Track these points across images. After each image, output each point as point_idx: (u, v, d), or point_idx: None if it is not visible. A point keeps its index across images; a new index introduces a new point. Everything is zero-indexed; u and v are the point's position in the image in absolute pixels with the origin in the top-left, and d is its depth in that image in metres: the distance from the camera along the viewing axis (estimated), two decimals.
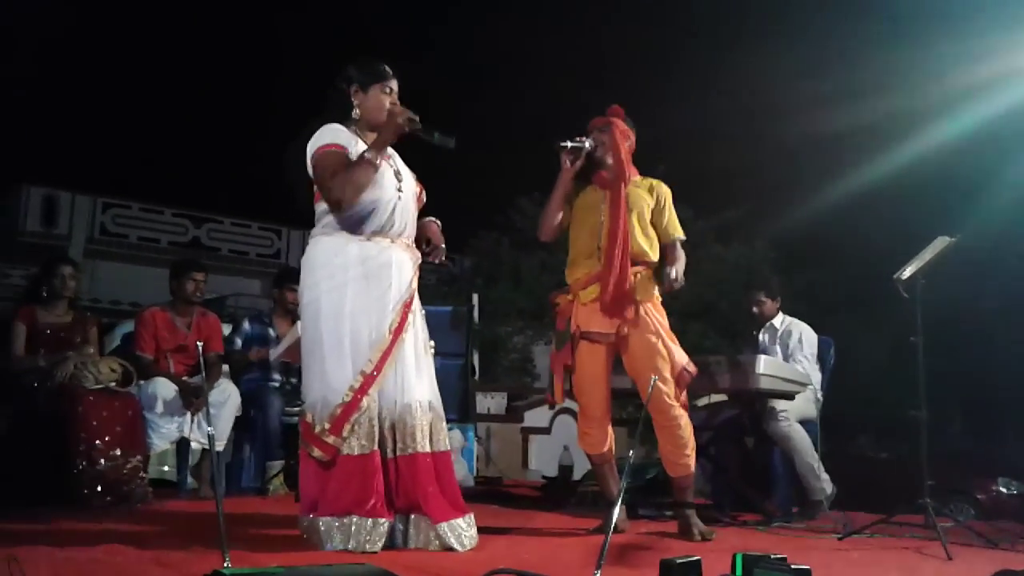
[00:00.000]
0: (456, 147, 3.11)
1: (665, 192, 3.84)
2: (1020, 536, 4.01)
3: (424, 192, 3.34)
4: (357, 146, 3.10)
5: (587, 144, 3.74)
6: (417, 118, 3.10)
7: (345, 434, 2.92)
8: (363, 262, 3.04)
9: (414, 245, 3.24)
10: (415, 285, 3.17)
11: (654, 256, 3.79)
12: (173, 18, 17.13)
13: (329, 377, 2.98)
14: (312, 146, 3.09)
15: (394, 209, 3.11)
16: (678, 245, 3.80)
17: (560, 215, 3.82)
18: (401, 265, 3.11)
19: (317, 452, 2.95)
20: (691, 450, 3.67)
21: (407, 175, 3.26)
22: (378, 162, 3.02)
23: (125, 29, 16.72)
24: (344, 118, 3.17)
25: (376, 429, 2.96)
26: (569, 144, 3.71)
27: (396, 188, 3.13)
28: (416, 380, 3.08)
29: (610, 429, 3.83)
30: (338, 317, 2.99)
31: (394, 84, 3.20)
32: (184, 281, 4.98)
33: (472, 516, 3.10)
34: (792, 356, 4.92)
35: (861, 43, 13.18)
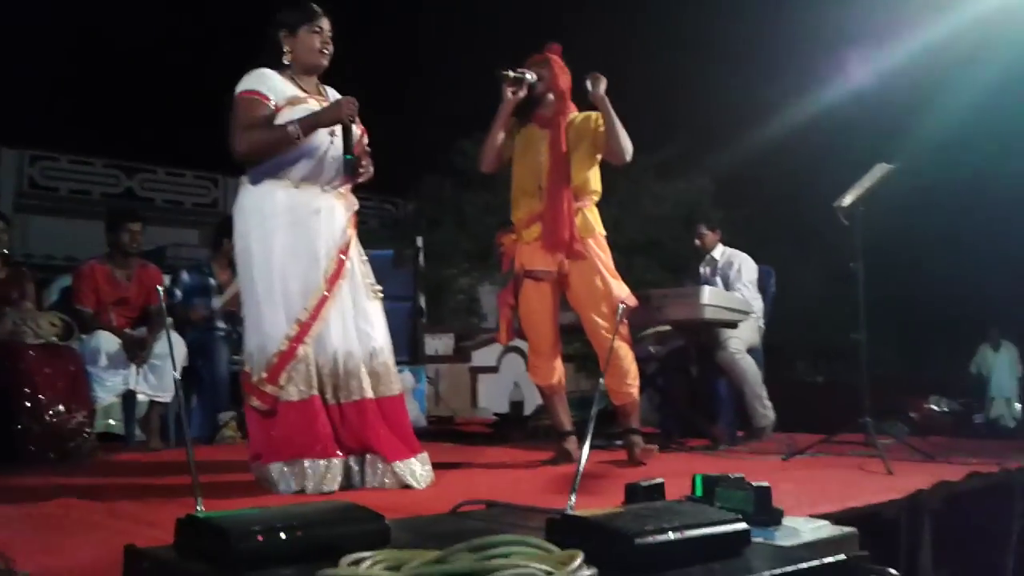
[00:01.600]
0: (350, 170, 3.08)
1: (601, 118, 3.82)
2: (954, 450, 4.18)
3: (366, 135, 3.27)
4: (287, 90, 3.05)
5: (529, 76, 3.73)
6: (357, 131, 3.07)
7: (282, 383, 2.92)
8: (291, 210, 3.01)
9: (349, 192, 3.18)
10: (351, 232, 3.13)
11: (597, 187, 3.82)
12: None
13: (264, 325, 2.97)
14: (236, 89, 3.05)
15: (325, 155, 3.05)
16: None
17: (499, 145, 3.80)
18: (332, 211, 3.08)
19: (256, 402, 2.96)
20: (633, 379, 3.75)
21: None
22: (300, 140, 2.95)
23: None
24: (278, 63, 3.11)
25: (314, 375, 2.97)
26: (512, 73, 3.69)
27: (329, 133, 3.05)
28: (358, 326, 3.07)
29: (559, 362, 3.89)
30: (268, 265, 2.98)
31: (324, 23, 3.14)
32: (119, 232, 4.87)
33: (426, 455, 3.13)
34: (732, 285, 5.03)
35: None
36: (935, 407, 9.57)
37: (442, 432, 5.67)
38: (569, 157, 3.71)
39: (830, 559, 1.53)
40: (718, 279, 5.11)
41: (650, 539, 1.40)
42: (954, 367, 11.96)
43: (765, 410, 4.76)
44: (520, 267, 3.79)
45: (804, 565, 1.48)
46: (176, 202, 16.15)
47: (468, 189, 13.34)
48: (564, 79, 3.79)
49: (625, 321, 3.76)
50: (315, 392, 2.96)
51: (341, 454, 2.98)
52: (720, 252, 5.24)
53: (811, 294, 12.42)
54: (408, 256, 7.24)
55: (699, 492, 2.00)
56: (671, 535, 1.43)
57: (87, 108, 16.38)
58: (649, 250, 13.35)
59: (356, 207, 3.21)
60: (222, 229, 5.51)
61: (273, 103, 3.01)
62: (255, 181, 3.04)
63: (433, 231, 13.16)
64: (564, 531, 1.48)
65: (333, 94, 3.22)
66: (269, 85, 3.04)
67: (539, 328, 3.81)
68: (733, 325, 4.63)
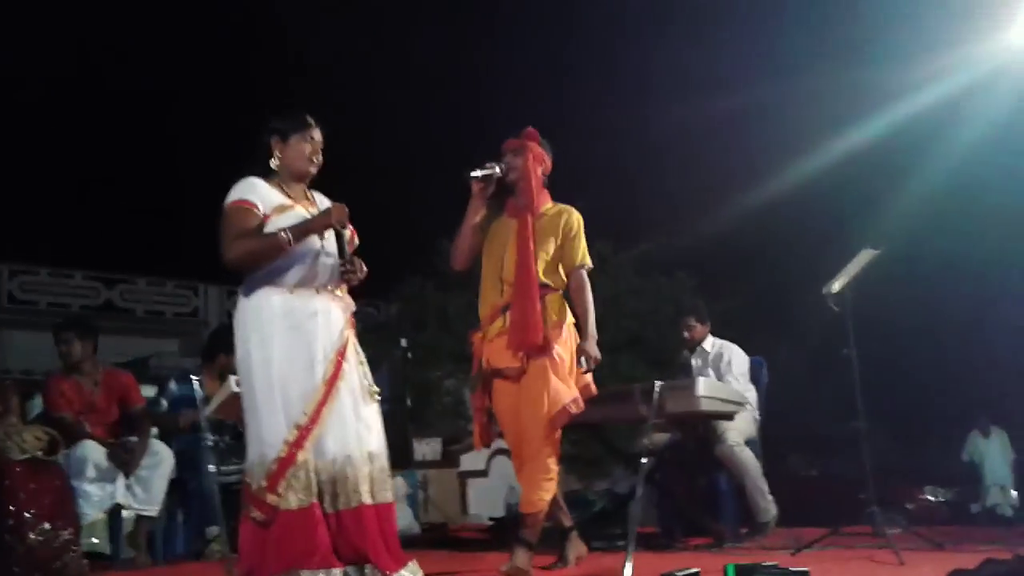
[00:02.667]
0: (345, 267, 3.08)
1: (575, 220, 3.71)
2: (960, 538, 4.12)
3: (356, 236, 3.27)
4: (274, 198, 3.08)
5: (497, 170, 3.65)
6: (348, 232, 3.10)
7: (281, 491, 2.86)
8: (288, 314, 3.00)
9: (344, 292, 3.18)
10: (348, 333, 3.11)
11: (558, 287, 3.68)
12: (68, 70, 16.71)
13: (264, 432, 2.93)
14: (226, 199, 3.07)
15: (317, 258, 3.07)
16: (582, 274, 3.67)
17: (470, 242, 3.71)
18: (328, 314, 3.07)
19: (256, 512, 2.88)
20: (546, 492, 3.54)
21: None
22: (290, 246, 2.98)
23: (15, 83, 16.23)
24: (266, 169, 3.15)
25: (314, 482, 2.91)
26: (480, 173, 3.62)
27: (320, 237, 3.07)
28: (356, 430, 3.02)
29: None
30: (267, 371, 2.95)
31: (316, 134, 3.18)
32: (57, 345, 4.85)
33: (415, 563, 3.05)
34: (723, 377, 4.98)
35: (762, 49, 13.52)
36: (931, 497, 9.46)
37: (437, 540, 5.54)
38: (536, 251, 3.61)
39: None
40: (710, 370, 5.09)
41: None
42: (946, 455, 11.86)
43: (767, 504, 4.68)
44: (488, 365, 3.65)
45: None
46: (157, 312, 16.09)
47: (450, 290, 13.34)
48: (539, 167, 3.71)
49: (558, 428, 3.52)
50: (314, 499, 2.89)
51: (340, 564, 2.88)
52: (710, 344, 5.23)
53: (798, 384, 12.40)
54: (396, 358, 7.18)
55: None
56: None
57: (66, 221, 16.44)
58: (633, 347, 13.33)
59: (353, 308, 3.19)
60: (217, 341, 5.43)
61: (261, 212, 3.03)
62: (251, 290, 3.05)
63: (417, 333, 13.10)
64: None
65: (321, 199, 3.24)
66: (257, 194, 3.07)
67: (512, 429, 3.62)
68: (730, 417, 4.58)
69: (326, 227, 3.04)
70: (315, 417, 2.93)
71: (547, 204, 3.75)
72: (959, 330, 12.58)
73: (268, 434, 2.92)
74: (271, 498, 2.85)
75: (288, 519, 2.86)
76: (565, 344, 3.58)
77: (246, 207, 3.03)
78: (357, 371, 3.11)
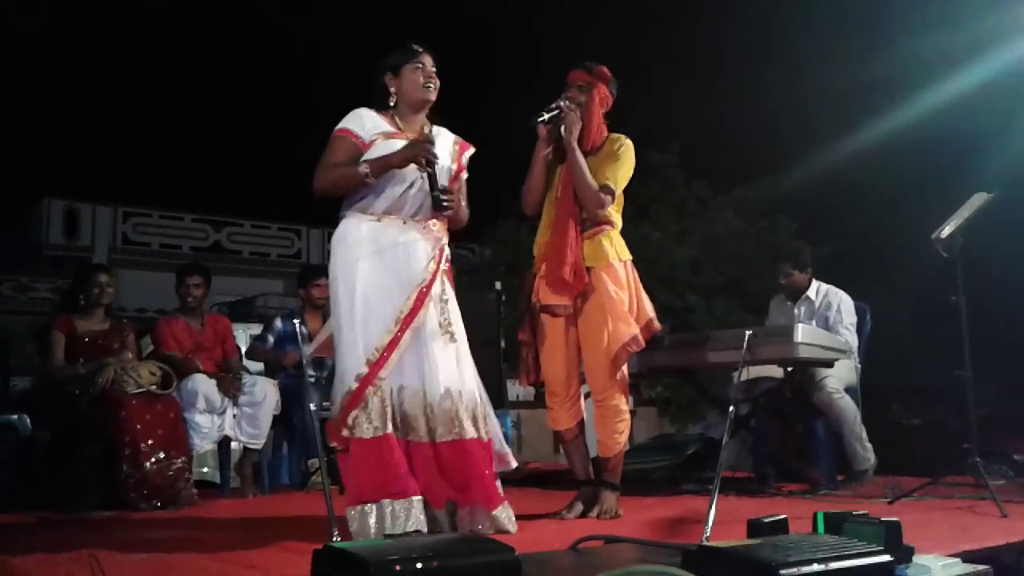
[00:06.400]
0: (442, 207, 3.06)
1: (618, 144, 3.59)
2: None
3: (464, 172, 3.29)
4: (380, 126, 3.12)
5: (563, 105, 3.54)
6: (433, 165, 3.03)
7: (351, 421, 2.89)
8: (373, 240, 3.04)
9: (439, 227, 3.17)
10: (434, 268, 3.08)
11: (613, 219, 3.60)
12: (182, 23, 17.16)
13: (344, 360, 2.97)
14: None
15: (408, 189, 3.08)
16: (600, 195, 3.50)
17: (539, 184, 3.64)
18: (413, 245, 3.07)
19: (332, 441, 2.99)
20: (621, 434, 3.53)
21: (442, 154, 3.18)
22: (369, 180, 3.00)
23: (132, 38, 16.76)
24: (384, 105, 3.19)
25: (389, 412, 2.92)
26: (546, 116, 3.53)
27: (419, 168, 3.05)
28: (446, 366, 3.03)
29: (580, 405, 3.64)
30: (351, 297, 2.99)
31: (426, 59, 3.19)
32: (181, 286, 5.11)
33: (508, 504, 3.07)
34: (834, 328, 4.82)
35: None
36: None
37: (530, 478, 5.62)
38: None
39: None
40: (814, 322, 4.92)
41: (795, 570, 1.36)
42: None
43: (866, 452, 4.59)
44: (536, 301, 3.60)
45: None
46: (262, 254, 16.60)
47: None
48: (601, 110, 3.61)
49: (619, 367, 3.48)
50: (389, 430, 2.91)
51: (420, 494, 2.92)
52: (815, 290, 5.05)
53: (903, 332, 12.03)
54: (490, 300, 7.27)
55: (821, 531, 1.92)
56: (816, 566, 1.38)
57: (176, 166, 17.01)
58: (731, 291, 13.15)
59: (444, 241, 3.18)
60: (303, 278, 5.67)
61: (364, 140, 3.07)
62: (343, 214, 3.12)
63: (511, 276, 13.19)
64: (703, 562, 1.44)
65: (440, 132, 3.25)
66: (360, 123, 3.12)
67: (550, 366, 3.58)
68: (829, 364, 4.49)
69: (407, 162, 3.02)
70: (386, 354, 2.93)
71: (603, 137, 3.63)
72: None
73: (346, 362, 2.96)
74: (343, 430, 2.91)
75: (363, 447, 2.89)
76: (622, 282, 3.51)
77: (344, 136, 3.09)
78: (437, 308, 3.09)
